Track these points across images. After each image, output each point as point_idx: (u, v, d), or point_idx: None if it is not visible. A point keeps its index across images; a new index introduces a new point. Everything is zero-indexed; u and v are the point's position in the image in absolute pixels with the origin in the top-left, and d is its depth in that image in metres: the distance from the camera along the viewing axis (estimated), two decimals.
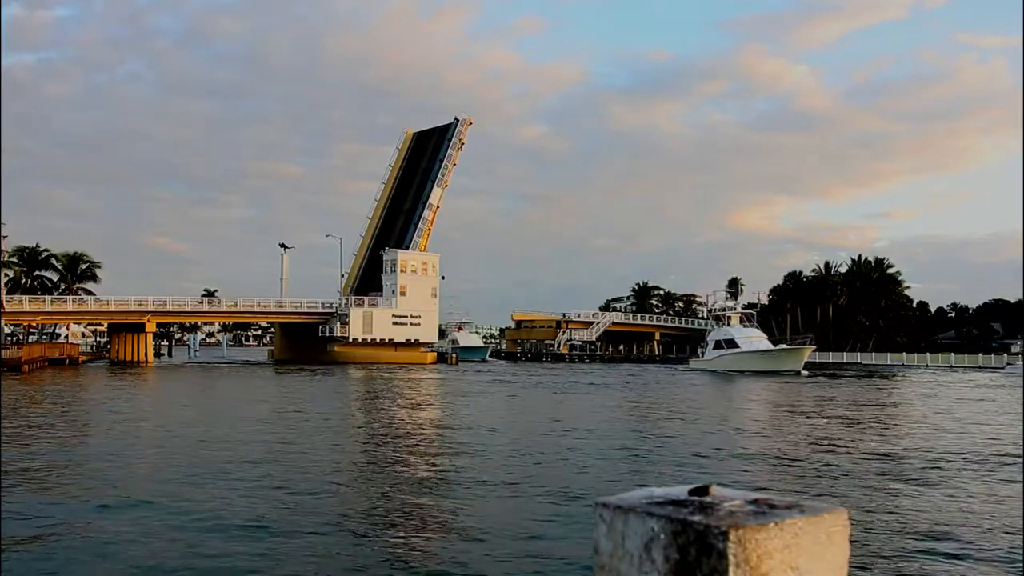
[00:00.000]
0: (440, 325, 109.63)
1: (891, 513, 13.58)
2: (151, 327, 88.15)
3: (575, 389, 49.25)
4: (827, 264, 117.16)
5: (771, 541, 1.18)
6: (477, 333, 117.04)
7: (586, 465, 18.71)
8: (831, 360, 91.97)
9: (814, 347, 78.25)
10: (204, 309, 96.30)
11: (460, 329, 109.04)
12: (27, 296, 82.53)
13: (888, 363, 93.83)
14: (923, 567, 10.43)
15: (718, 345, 77.91)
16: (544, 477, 17.00)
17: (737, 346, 75.74)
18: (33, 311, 79.77)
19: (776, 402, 40.38)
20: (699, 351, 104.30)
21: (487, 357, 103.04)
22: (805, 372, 69.48)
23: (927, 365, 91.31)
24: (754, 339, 76.61)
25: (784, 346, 76.15)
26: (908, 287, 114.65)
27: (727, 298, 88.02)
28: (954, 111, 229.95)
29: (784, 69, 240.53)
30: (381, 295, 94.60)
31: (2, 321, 68.71)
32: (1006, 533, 12.11)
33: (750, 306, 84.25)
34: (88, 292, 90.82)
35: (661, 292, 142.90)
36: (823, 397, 42.87)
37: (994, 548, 11.28)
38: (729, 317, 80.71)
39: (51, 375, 57.99)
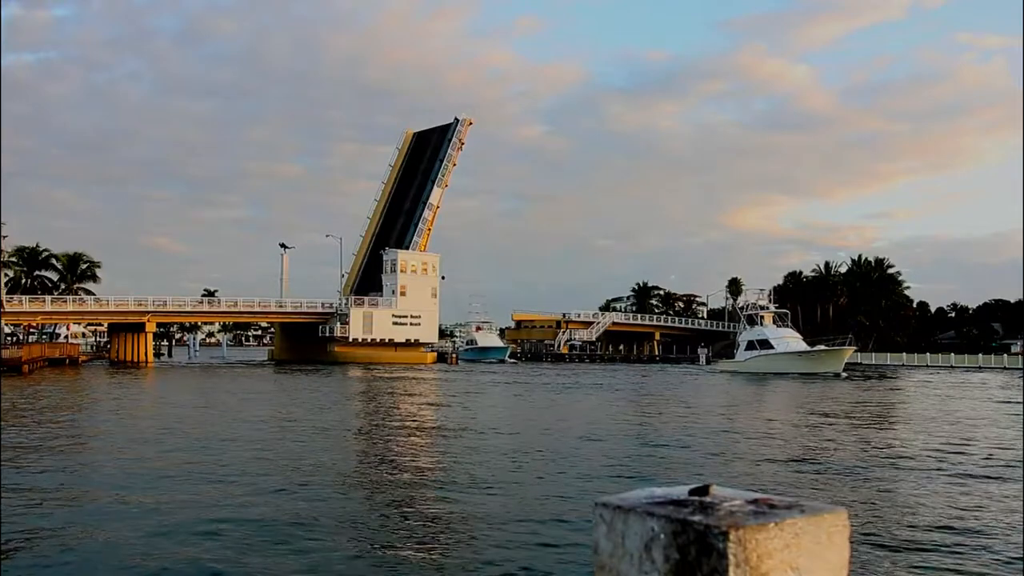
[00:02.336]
0: (440, 325, 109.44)
1: (893, 513, 13.58)
2: (151, 327, 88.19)
3: (586, 393, 49.11)
4: (827, 264, 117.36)
5: (771, 541, 1.18)
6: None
7: (605, 474, 18.68)
8: None
9: (855, 348, 74.91)
10: (204, 309, 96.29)
11: (479, 329, 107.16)
12: (27, 296, 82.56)
13: (888, 363, 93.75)
14: (924, 567, 10.42)
15: (751, 346, 74.52)
16: (550, 480, 16.99)
17: (772, 347, 72.39)
18: (33, 311, 79.79)
19: (833, 406, 37.22)
20: (699, 353, 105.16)
21: (507, 358, 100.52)
22: (844, 374, 66.71)
23: (927, 365, 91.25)
24: (789, 340, 73.46)
25: (822, 347, 72.58)
26: (908, 287, 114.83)
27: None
28: (954, 111, 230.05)
29: (783, 69, 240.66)
30: (381, 295, 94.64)
31: (2, 321, 68.69)
32: (1008, 533, 12.11)
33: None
34: (88, 292, 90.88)
35: (661, 292, 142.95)
36: (883, 402, 40.02)
37: (996, 548, 11.28)
38: (762, 317, 77.05)
39: (51, 375, 57.99)
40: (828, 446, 22.33)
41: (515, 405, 38.45)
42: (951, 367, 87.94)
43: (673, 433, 25.38)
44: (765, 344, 73.18)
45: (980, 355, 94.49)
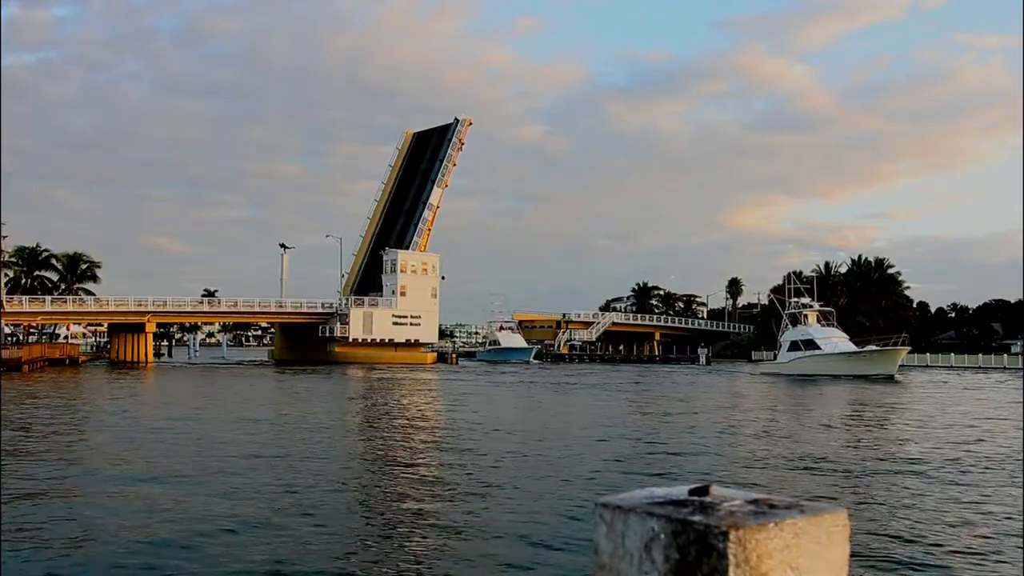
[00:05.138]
0: (440, 325, 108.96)
1: (895, 513, 13.58)
2: (151, 327, 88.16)
3: (591, 395, 48.92)
4: (827, 264, 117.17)
5: (771, 541, 1.18)
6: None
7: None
8: None
9: (909, 348, 70.42)
10: (204, 309, 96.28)
11: (502, 329, 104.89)
12: (27, 296, 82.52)
13: None
14: (925, 567, 10.42)
15: (794, 346, 70.15)
16: (551, 480, 16.97)
17: (818, 347, 68.32)
18: (33, 311, 79.76)
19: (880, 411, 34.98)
20: (699, 354, 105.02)
21: (531, 359, 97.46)
22: (898, 376, 62.93)
23: (927, 365, 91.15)
24: (837, 340, 69.44)
25: (873, 347, 68.11)
26: (908, 287, 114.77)
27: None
28: (954, 111, 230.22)
29: (783, 69, 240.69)
30: (381, 295, 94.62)
31: (2, 321, 68.68)
32: (1008, 533, 12.11)
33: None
34: (88, 292, 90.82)
35: (661, 292, 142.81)
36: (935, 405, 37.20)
37: (996, 548, 11.29)
38: (806, 316, 72.65)
39: (51, 375, 57.98)
40: (840, 447, 22.32)
41: (516, 406, 38.41)
42: (951, 367, 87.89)
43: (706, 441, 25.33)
44: (810, 344, 69.06)
45: (980, 355, 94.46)
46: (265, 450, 20.77)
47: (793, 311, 74.10)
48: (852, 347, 68.60)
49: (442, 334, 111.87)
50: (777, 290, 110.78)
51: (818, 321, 72.84)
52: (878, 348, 67.78)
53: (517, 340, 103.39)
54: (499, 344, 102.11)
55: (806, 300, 75.04)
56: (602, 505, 1.29)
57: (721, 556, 1.15)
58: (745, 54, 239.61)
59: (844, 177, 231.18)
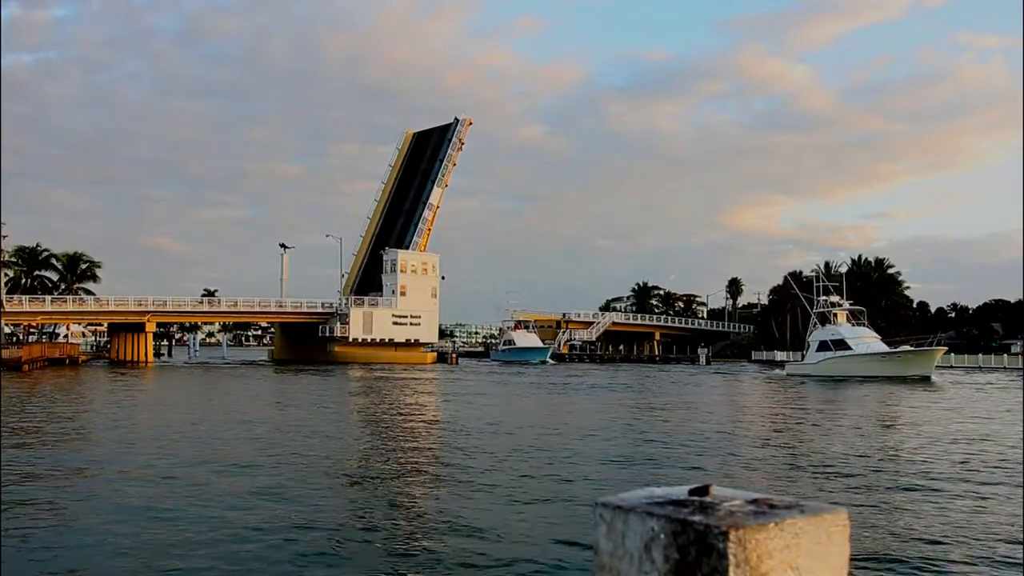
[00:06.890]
0: (440, 325, 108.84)
1: (896, 515, 13.57)
2: (151, 327, 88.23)
3: (596, 397, 48.83)
4: (827, 264, 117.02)
5: (771, 541, 1.18)
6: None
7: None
8: None
9: (946, 348, 68.75)
10: (204, 309, 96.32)
11: (517, 328, 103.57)
12: (27, 296, 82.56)
13: None
14: (924, 567, 10.41)
15: (823, 346, 67.92)
16: (553, 480, 16.96)
17: (848, 347, 66.21)
18: (33, 311, 79.79)
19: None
20: (699, 353, 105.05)
21: (547, 359, 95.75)
22: (935, 378, 61.01)
23: None
24: (868, 340, 67.14)
25: (907, 347, 66.39)
26: (908, 287, 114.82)
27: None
28: (954, 111, 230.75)
29: (783, 69, 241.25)
30: (381, 295, 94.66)
31: (2, 321, 68.67)
32: (1009, 535, 12.10)
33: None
34: (88, 292, 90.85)
35: (661, 292, 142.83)
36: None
37: (996, 550, 11.28)
38: (835, 315, 70.25)
39: (51, 375, 57.97)
40: (847, 449, 22.30)
41: (517, 406, 38.38)
42: (951, 367, 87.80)
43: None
44: (841, 344, 66.90)
45: (980, 355, 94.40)
46: (263, 448, 20.75)
47: (822, 310, 71.59)
48: (885, 347, 66.77)
49: (442, 334, 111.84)
50: (776, 290, 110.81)
51: (848, 320, 70.68)
52: (913, 349, 66.03)
53: (533, 339, 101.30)
54: (514, 343, 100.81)
55: (835, 298, 72.51)
56: (602, 505, 1.29)
57: (721, 556, 1.15)
58: (745, 54, 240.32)
59: (844, 177, 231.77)
